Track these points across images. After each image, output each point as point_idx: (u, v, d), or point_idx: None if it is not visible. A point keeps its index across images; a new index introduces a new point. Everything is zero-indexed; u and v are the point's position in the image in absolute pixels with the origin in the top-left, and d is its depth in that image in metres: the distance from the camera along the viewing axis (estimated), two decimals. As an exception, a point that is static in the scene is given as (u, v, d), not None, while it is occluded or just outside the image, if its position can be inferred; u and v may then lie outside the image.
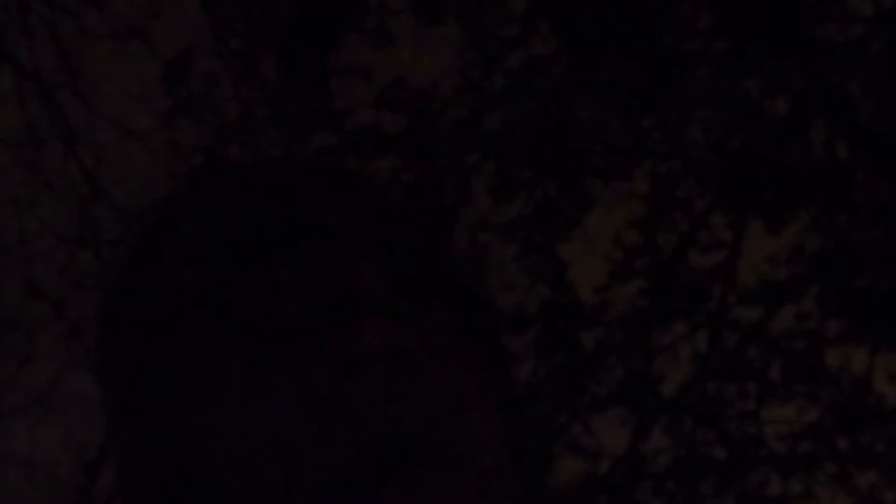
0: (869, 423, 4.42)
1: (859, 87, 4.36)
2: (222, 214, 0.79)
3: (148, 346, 0.79)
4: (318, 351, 0.75)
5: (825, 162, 4.39)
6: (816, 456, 4.44)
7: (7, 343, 6.16)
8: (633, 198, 4.57)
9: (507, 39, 4.49)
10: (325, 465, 0.72)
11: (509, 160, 4.54)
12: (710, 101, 4.44)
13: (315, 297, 0.77)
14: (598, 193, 4.56)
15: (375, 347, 0.74)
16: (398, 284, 0.78)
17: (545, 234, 4.55)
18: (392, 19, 4.47)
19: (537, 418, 4.37)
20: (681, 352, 4.46)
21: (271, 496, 0.73)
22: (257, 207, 0.79)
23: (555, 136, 4.47)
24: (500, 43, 4.50)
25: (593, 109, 4.48)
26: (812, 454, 4.44)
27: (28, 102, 4.97)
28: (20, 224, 5.28)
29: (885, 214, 4.34)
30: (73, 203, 5.05)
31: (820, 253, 4.45)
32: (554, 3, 4.43)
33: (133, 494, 0.79)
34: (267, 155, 4.54)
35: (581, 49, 4.41)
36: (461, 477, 0.73)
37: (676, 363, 4.46)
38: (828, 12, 4.36)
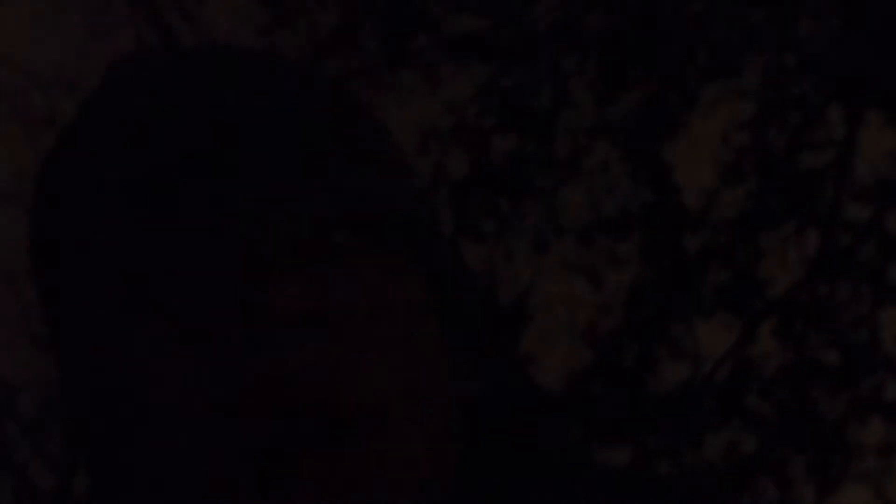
0: None
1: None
2: (128, 130, 0.69)
3: (70, 276, 0.71)
4: (227, 314, 0.65)
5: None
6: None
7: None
8: (742, 95, 4.39)
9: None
10: (236, 440, 0.65)
11: (611, 60, 4.40)
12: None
13: (227, 243, 0.66)
14: (704, 92, 4.39)
15: (285, 312, 0.64)
16: (323, 228, 0.66)
17: (649, 136, 4.40)
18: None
19: (639, 324, 4.23)
20: (790, 253, 4.26)
21: (184, 458, 0.67)
22: (169, 121, 0.68)
23: (659, 33, 4.31)
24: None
25: (700, 3, 4.31)
26: (930, 356, 4.22)
27: (141, 24, 5.05)
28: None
29: None
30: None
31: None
32: None
33: (77, 423, 0.73)
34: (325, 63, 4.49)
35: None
36: (392, 446, 0.65)
37: (785, 266, 4.26)
38: None
